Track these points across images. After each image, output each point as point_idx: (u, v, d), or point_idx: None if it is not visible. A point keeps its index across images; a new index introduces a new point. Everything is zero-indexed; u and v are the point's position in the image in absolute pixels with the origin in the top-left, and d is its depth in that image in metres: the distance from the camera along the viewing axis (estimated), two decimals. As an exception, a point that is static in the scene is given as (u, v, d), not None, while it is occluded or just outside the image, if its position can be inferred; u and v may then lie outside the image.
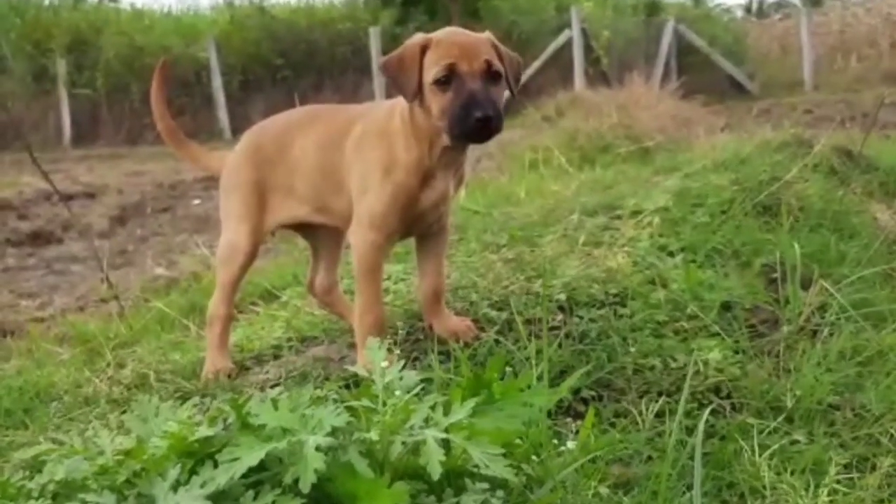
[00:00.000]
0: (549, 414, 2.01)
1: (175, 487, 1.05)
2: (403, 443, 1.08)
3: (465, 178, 2.30)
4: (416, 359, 2.16)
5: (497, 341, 2.22)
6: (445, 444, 1.09)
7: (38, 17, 17.35)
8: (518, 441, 1.43)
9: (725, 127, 9.85)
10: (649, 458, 1.84)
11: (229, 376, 2.25)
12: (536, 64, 16.26)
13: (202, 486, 1.03)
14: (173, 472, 1.08)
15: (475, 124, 1.93)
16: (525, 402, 1.15)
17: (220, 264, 2.34)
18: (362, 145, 2.13)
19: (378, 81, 16.47)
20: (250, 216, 2.28)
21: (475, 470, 1.16)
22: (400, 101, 2.13)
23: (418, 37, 2.08)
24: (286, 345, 2.45)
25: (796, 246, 2.79)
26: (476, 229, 3.65)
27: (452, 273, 2.86)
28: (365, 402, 1.14)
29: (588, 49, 16.23)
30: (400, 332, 2.31)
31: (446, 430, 1.11)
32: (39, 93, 16.15)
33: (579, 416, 2.12)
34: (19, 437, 2.08)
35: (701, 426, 1.59)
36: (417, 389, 1.19)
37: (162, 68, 2.46)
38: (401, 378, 1.20)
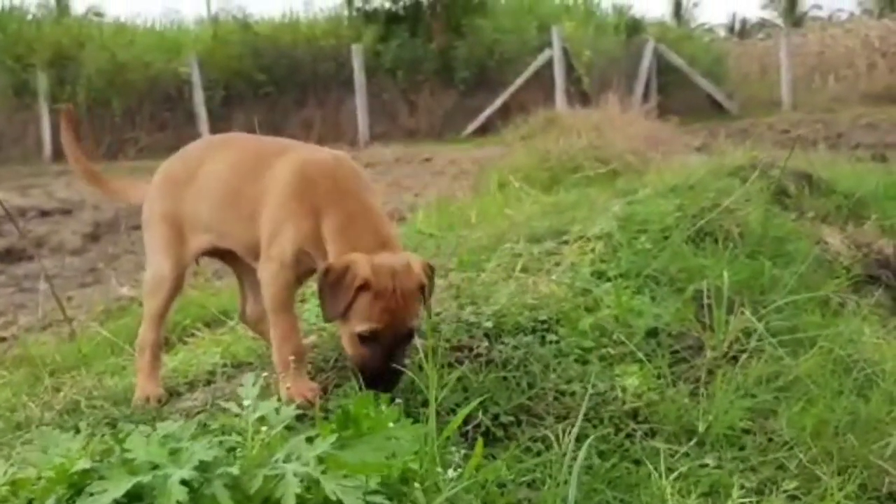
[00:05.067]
0: (465, 439, 2.07)
1: (47, 518, 1.11)
2: (266, 476, 1.15)
3: None
4: (338, 385, 2.22)
5: (420, 367, 2.28)
6: (310, 478, 1.15)
7: (20, 31, 17.40)
8: (413, 467, 1.50)
9: (701, 147, 9.99)
10: (558, 483, 1.90)
11: (159, 401, 2.29)
12: (518, 82, 16.44)
13: (71, 517, 1.10)
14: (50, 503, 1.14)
15: (372, 387, 1.99)
16: (390, 436, 1.22)
17: (147, 296, 2.36)
18: (283, 186, 2.13)
19: (360, 97, 16.59)
20: (170, 248, 2.30)
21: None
22: (327, 161, 2.18)
23: (362, 270, 1.96)
24: (220, 370, 2.49)
25: (724, 272, 2.87)
26: (428, 253, 3.71)
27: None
28: (234, 436, 1.21)
29: (570, 68, 16.40)
30: (324, 359, 2.36)
31: (314, 463, 1.17)
32: (20, 107, 16.19)
33: (497, 440, 2.19)
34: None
35: (582, 452, 1.66)
36: (287, 423, 1.25)
37: (67, 114, 2.55)
38: (277, 411, 1.26)
